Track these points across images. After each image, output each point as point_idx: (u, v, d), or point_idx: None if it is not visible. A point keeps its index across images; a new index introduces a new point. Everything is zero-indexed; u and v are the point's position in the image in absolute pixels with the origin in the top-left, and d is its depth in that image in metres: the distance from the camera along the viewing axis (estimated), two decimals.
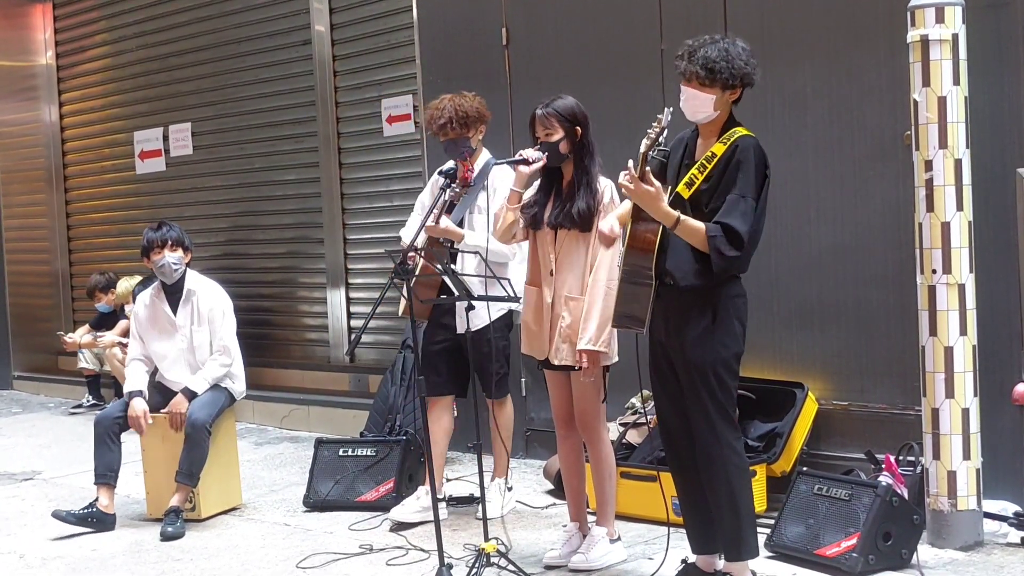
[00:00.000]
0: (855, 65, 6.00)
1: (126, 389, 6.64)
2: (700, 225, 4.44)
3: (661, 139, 4.43)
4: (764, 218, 4.56)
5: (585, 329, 5.13)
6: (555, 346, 5.26)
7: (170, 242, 6.59)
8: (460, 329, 5.99)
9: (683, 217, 4.44)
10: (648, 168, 4.42)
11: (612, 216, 4.91)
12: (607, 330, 5.10)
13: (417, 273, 6.00)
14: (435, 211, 5.93)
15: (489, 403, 6.18)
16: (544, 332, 5.31)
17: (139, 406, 6.49)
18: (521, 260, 5.92)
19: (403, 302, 6.20)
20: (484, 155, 6.20)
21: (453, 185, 5.95)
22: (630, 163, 4.44)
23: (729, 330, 4.57)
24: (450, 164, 6.13)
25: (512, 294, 5.29)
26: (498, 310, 5.94)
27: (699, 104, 4.54)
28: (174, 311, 6.66)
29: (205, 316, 6.62)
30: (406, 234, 6.32)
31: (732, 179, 4.46)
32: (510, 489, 6.40)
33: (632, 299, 4.62)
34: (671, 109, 4.43)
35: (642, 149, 4.40)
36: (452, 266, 5.35)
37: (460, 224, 5.99)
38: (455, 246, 5.94)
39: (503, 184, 5.84)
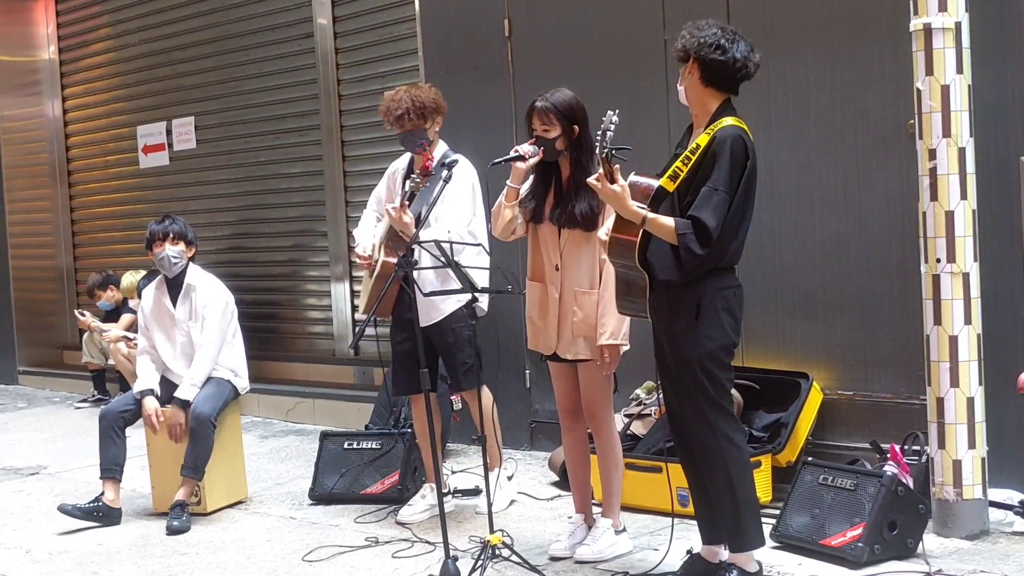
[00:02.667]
0: (858, 54, 5.98)
1: (137, 388, 6.60)
2: (669, 222, 4.45)
3: (607, 141, 4.41)
4: (748, 210, 4.55)
5: (604, 325, 5.14)
6: (566, 341, 5.25)
7: (171, 235, 6.57)
8: (422, 323, 5.97)
9: (650, 215, 4.46)
10: (615, 167, 4.46)
11: (611, 221, 4.88)
12: (625, 322, 5.10)
13: (376, 271, 5.99)
14: (399, 199, 5.87)
15: (466, 396, 6.16)
16: (551, 327, 5.30)
17: (151, 405, 6.49)
18: (476, 252, 5.86)
19: (364, 299, 6.19)
20: (441, 146, 6.14)
21: (414, 175, 5.90)
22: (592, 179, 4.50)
23: (715, 323, 4.55)
24: (455, 156, 6.12)
25: (473, 284, 5.27)
26: (456, 300, 5.91)
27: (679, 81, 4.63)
28: (174, 305, 6.65)
29: (200, 312, 6.59)
30: (358, 233, 6.28)
31: (708, 171, 4.46)
32: (510, 479, 6.38)
33: (629, 286, 4.65)
34: (616, 111, 4.44)
35: (597, 152, 4.42)
36: (456, 259, 5.33)
37: (419, 217, 5.86)
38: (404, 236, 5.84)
39: (462, 174, 5.81)
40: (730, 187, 4.44)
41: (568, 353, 5.27)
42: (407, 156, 6.26)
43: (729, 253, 4.56)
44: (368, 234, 6.23)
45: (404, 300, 5.94)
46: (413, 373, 5.67)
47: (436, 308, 5.91)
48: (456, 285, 5.42)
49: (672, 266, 4.50)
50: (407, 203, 5.84)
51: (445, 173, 5.68)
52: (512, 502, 6.32)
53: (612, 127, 4.41)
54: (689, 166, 4.50)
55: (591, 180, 4.51)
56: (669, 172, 4.54)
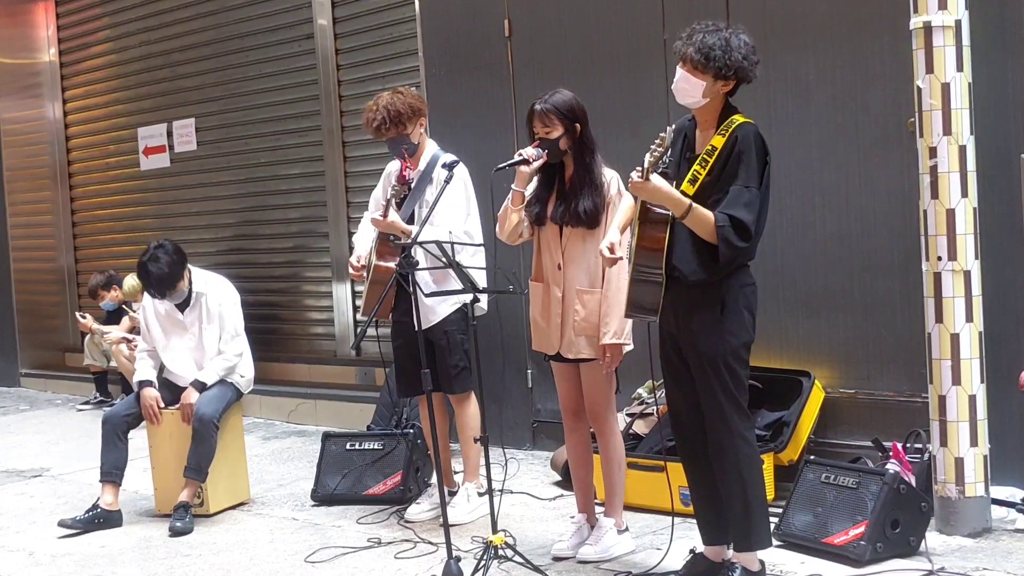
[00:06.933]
0: (858, 52, 5.98)
1: (136, 379, 6.67)
2: (710, 214, 4.43)
3: (665, 158, 4.43)
4: (768, 205, 4.56)
5: (607, 324, 5.14)
6: (568, 340, 5.25)
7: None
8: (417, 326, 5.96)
9: (695, 205, 4.43)
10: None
11: (612, 230, 4.88)
12: (628, 321, 5.10)
13: (369, 273, 5.99)
14: (382, 205, 5.90)
15: (451, 399, 6.15)
16: (553, 327, 5.30)
17: (151, 394, 6.52)
18: (473, 252, 5.87)
19: (363, 301, 6.20)
20: (431, 147, 6.15)
21: (394, 184, 5.91)
22: (633, 174, 4.43)
23: (738, 320, 4.56)
24: (453, 157, 6.13)
25: (472, 285, 5.27)
26: (452, 304, 5.93)
27: (689, 88, 4.53)
28: (181, 311, 6.66)
29: (215, 313, 6.62)
30: (358, 239, 6.29)
31: (734, 170, 4.45)
32: (481, 495, 6.09)
33: (644, 292, 4.62)
34: (672, 127, 4.42)
35: (646, 165, 4.38)
36: (457, 260, 5.33)
37: (411, 219, 5.90)
38: (399, 241, 5.79)
39: (456, 175, 5.81)
40: (759, 183, 4.45)
41: (570, 352, 5.27)
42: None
43: (753, 250, 4.57)
44: (366, 239, 6.23)
45: (400, 303, 5.95)
46: (414, 375, 5.68)
47: (432, 311, 5.92)
48: (454, 286, 5.42)
49: (698, 266, 4.50)
50: (394, 209, 5.87)
51: (447, 174, 5.68)
52: (480, 517, 6.03)
53: (670, 145, 4.41)
54: (708, 168, 4.49)
55: (633, 175, 4.43)
56: (688, 176, 4.52)
